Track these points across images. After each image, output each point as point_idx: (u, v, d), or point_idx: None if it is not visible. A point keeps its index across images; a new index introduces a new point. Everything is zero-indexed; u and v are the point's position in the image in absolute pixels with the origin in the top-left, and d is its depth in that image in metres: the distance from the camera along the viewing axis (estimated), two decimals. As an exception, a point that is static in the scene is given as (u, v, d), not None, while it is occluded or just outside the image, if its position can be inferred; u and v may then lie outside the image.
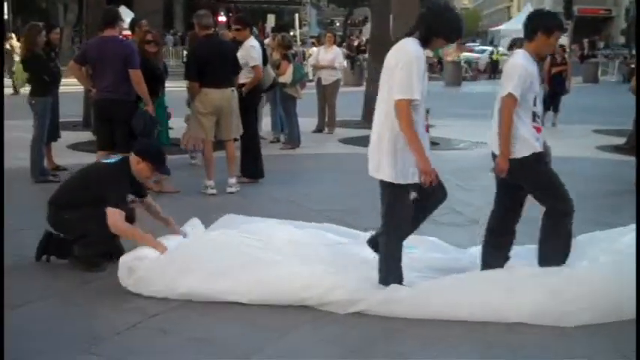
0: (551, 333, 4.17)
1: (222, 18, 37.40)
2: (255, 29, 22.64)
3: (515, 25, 49.10)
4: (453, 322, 4.26)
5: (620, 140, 12.02)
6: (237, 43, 8.38)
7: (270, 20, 34.16)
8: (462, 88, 27.06)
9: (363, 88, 16.46)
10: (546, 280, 4.47)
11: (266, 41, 14.11)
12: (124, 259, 4.70)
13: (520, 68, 4.56)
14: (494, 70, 32.95)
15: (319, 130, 13.05)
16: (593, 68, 33.16)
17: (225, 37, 10.01)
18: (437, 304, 4.32)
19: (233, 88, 7.65)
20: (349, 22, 59.39)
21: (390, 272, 4.50)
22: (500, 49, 36.61)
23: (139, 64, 7.03)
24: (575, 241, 4.84)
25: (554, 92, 14.68)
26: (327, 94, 12.97)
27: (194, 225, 5.47)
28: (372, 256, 4.73)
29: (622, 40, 55.58)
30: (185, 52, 30.46)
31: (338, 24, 60.11)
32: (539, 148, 4.67)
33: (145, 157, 5.14)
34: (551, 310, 4.26)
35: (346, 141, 12.10)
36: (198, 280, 4.53)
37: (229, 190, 7.58)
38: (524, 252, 5.05)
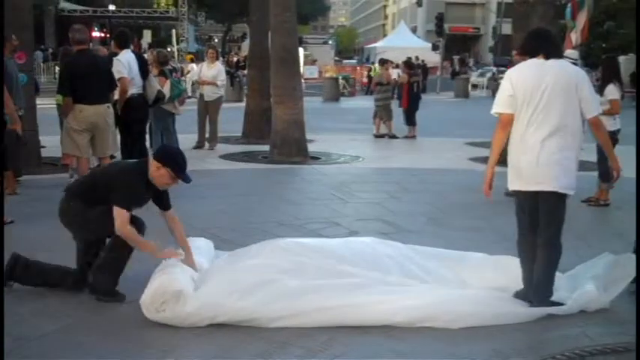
0: (433, 336, 4.32)
1: (95, 33, 36.41)
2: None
3: (389, 43, 50.63)
4: (336, 330, 4.32)
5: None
6: (113, 57, 8.21)
7: (147, 36, 33.60)
8: (339, 103, 27.56)
9: (242, 104, 16.47)
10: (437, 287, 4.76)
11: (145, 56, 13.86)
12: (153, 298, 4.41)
13: None
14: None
15: (199, 146, 12.92)
16: (464, 83, 34.60)
17: (100, 53, 9.79)
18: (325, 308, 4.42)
19: (108, 104, 7.48)
20: (228, 38, 59.34)
21: (551, 283, 4.72)
22: (377, 65, 37.58)
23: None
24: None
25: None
26: (209, 111, 12.86)
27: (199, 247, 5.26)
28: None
29: (490, 56, 58.25)
30: (57, 69, 29.51)
31: (217, 40, 59.89)
32: None
33: (166, 163, 4.76)
34: (438, 314, 4.45)
35: (227, 157, 12.04)
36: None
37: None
38: None
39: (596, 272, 5.03)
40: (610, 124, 8.14)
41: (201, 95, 12.98)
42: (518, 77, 4.66)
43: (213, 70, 13.00)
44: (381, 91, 16.24)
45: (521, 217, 4.81)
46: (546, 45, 4.72)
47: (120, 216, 4.63)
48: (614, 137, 8.26)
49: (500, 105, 4.71)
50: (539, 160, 4.60)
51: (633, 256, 5.03)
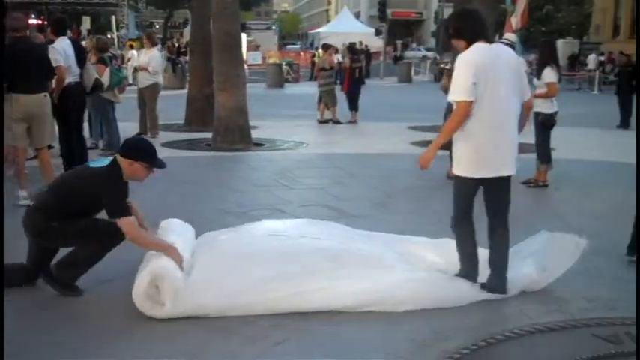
0: (376, 319, 4.36)
1: (32, 20, 35.44)
2: (68, 32, 21.77)
3: (333, 28, 50.63)
4: (277, 317, 4.33)
5: (433, 136, 12.64)
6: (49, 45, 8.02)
7: (86, 22, 32.89)
8: (283, 89, 27.49)
9: (185, 91, 16.28)
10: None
11: (83, 44, 13.60)
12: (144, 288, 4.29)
13: None
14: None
15: (141, 134, 12.73)
16: (407, 68, 34.86)
17: (37, 40, 9.54)
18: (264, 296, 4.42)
19: (46, 93, 7.29)
20: (170, 24, 58.53)
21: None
22: (320, 51, 37.58)
23: None
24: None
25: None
26: (145, 98, 12.69)
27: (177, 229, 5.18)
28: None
29: (432, 41, 58.81)
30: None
31: (158, 26, 59.03)
32: None
33: (137, 157, 4.65)
34: (385, 298, 4.50)
35: (169, 145, 11.90)
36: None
37: (46, 199, 7.22)
38: None
39: (533, 249, 5.13)
40: (548, 106, 8.30)
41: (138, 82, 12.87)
42: (477, 63, 4.52)
43: (146, 57, 12.84)
44: (324, 77, 16.24)
45: (468, 202, 4.75)
46: (484, 29, 4.69)
47: (126, 225, 4.50)
48: (552, 119, 8.44)
49: (463, 92, 4.50)
50: (505, 146, 4.63)
51: (578, 239, 5.12)
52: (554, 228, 5.53)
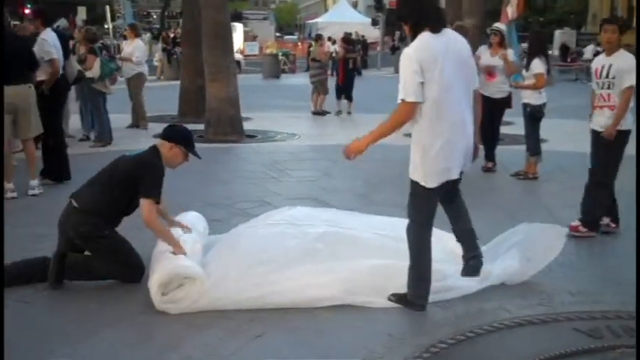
0: (356, 313, 4.33)
1: (28, 10, 35.31)
2: (65, 21, 21.61)
3: (330, 18, 50.45)
4: (256, 311, 4.30)
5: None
6: (36, 37, 7.94)
7: (81, 13, 32.74)
8: (280, 80, 27.40)
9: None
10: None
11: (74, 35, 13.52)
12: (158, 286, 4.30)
13: None
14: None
15: (135, 125, 12.71)
16: (404, 59, 34.74)
17: (26, 30, 9.46)
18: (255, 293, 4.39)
19: (30, 85, 7.22)
20: (167, 14, 58.32)
21: None
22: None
23: None
24: None
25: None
26: (131, 88, 12.66)
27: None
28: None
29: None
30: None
31: (155, 16, 58.81)
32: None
33: (178, 142, 4.85)
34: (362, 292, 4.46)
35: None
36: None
37: (31, 192, 7.20)
38: None
39: (516, 239, 5.06)
40: (536, 97, 8.26)
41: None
42: (421, 60, 4.08)
43: (130, 47, 12.78)
44: (314, 67, 16.20)
45: (434, 207, 4.40)
46: (431, 14, 4.24)
47: (148, 207, 4.60)
48: (540, 111, 8.40)
49: (414, 93, 4.09)
50: (471, 143, 4.40)
51: (561, 229, 5.09)
52: (540, 220, 5.50)
